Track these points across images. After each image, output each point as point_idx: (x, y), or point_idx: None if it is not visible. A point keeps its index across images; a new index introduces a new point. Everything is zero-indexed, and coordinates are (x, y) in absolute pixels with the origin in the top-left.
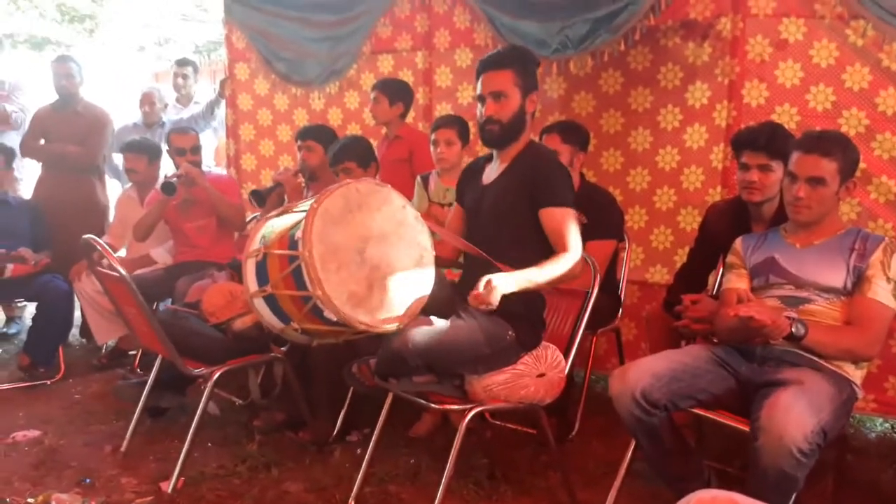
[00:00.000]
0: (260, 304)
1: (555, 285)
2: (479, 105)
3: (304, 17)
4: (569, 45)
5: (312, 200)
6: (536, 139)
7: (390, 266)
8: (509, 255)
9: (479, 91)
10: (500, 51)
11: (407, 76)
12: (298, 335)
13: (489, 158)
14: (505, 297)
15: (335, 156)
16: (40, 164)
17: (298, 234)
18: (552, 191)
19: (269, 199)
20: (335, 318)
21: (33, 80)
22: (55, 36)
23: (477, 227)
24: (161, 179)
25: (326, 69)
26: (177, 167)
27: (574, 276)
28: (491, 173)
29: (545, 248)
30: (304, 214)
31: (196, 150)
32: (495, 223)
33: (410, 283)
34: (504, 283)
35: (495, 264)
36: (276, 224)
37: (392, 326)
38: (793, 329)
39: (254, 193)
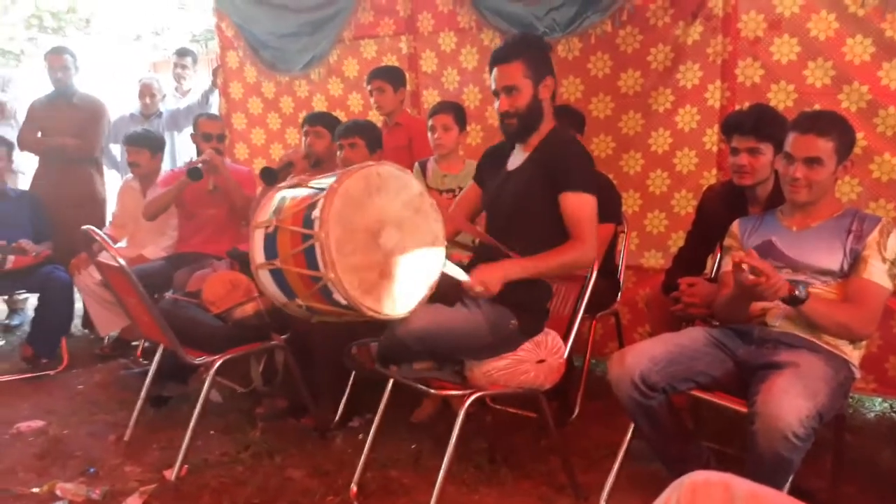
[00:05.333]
0: (265, 277)
1: (563, 273)
2: (496, 99)
3: (285, 4)
4: (556, 28)
5: (332, 179)
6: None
7: (403, 253)
8: (528, 242)
9: (493, 86)
10: (506, 43)
11: (391, 62)
12: (301, 311)
13: (514, 144)
14: (510, 286)
15: (347, 129)
16: (38, 157)
17: (315, 213)
18: (572, 176)
19: (280, 179)
20: (344, 302)
21: (27, 73)
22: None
23: (497, 212)
24: (185, 164)
25: (307, 55)
26: (199, 152)
27: (585, 265)
28: (515, 160)
29: (565, 238)
30: (319, 192)
31: (221, 137)
32: (516, 209)
33: (421, 271)
34: (509, 271)
35: (505, 251)
36: (289, 196)
37: (399, 314)
38: (796, 291)
39: (265, 171)
